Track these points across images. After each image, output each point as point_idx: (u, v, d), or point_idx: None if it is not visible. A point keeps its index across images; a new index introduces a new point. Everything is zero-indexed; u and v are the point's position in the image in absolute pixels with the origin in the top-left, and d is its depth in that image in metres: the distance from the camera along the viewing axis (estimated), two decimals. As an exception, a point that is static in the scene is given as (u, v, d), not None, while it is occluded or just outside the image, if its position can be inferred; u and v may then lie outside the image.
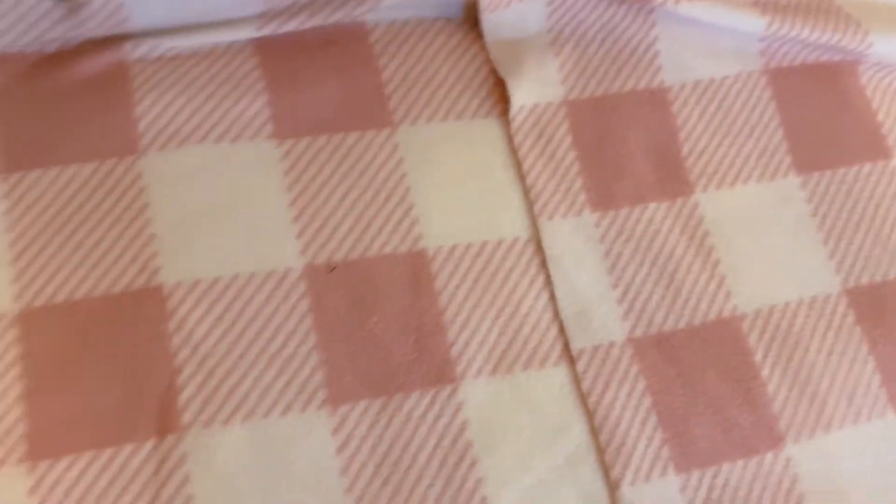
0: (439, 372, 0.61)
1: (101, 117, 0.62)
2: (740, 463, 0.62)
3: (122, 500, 0.53)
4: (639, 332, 0.65)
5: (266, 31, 0.67)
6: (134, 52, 0.64)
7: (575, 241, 0.66)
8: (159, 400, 0.56)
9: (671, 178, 0.70)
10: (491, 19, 0.71)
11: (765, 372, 0.65)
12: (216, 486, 0.55)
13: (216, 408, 0.57)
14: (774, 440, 0.63)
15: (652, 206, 0.69)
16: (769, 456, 0.63)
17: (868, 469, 0.64)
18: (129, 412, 0.56)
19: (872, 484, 0.63)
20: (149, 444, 0.55)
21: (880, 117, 0.76)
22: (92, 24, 0.62)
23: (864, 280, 0.69)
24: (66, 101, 0.62)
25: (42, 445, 0.54)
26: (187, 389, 0.57)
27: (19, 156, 0.60)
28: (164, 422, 0.56)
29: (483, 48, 0.72)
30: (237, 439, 0.56)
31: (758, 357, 0.65)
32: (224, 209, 0.62)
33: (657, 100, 0.73)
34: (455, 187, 0.67)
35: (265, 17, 0.67)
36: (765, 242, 0.70)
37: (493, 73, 0.71)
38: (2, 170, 0.60)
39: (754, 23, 0.73)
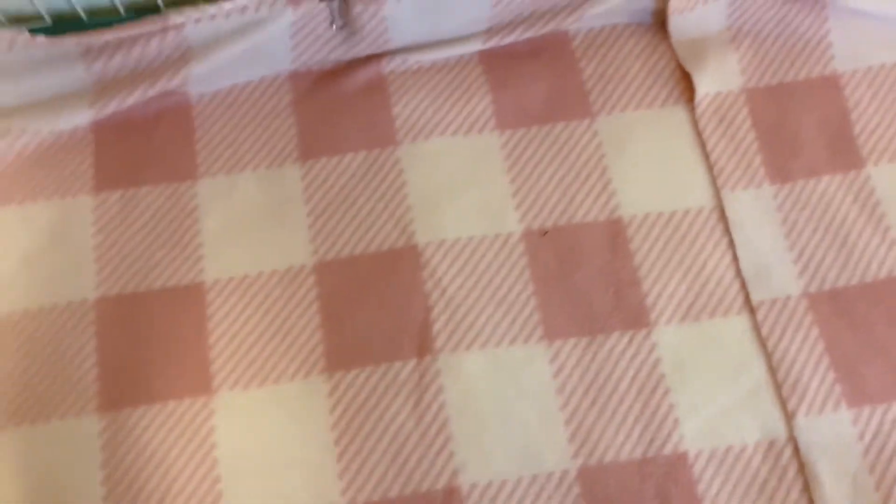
0: (635, 318, 0.74)
1: (368, 117, 0.81)
2: (910, 402, 0.70)
3: (395, 402, 0.71)
4: (813, 288, 0.74)
5: (490, 43, 0.83)
6: (389, 66, 0.83)
7: (755, 209, 0.77)
8: (418, 330, 0.74)
9: (844, 154, 0.79)
10: (677, 21, 0.83)
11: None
12: (463, 395, 0.71)
13: (460, 337, 0.73)
14: (945, 383, 0.71)
15: (826, 178, 0.78)
16: (940, 396, 0.70)
17: None
18: (397, 338, 0.73)
19: None
20: (412, 362, 0.72)
21: None
22: (362, 46, 0.81)
23: None
24: (342, 106, 0.81)
25: (337, 361, 0.73)
26: (438, 323, 0.74)
27: (311, 147, 0.80)
28: (423, 346, 0.73)
29: (670, 48, 0.84)
30: (477, 362, 0.72)
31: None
32: (461, 186, 0.78)
33: (830, 85, 0.82)
34: (647, 165, 0.79)
35: (490, 32, 0.83)
36: (937, 211, 0.77)
37: (680, 68, 0.83)
38: (299, 157, 0.80)
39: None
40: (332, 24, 0.79)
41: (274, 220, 0.78)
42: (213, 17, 0.75)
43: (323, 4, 0.77)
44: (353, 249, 0.76)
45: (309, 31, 0.80)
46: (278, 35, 0.79)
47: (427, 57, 0.83)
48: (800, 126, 0.80)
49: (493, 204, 0.78)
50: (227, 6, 0.75)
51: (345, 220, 0.78)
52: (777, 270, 0.75)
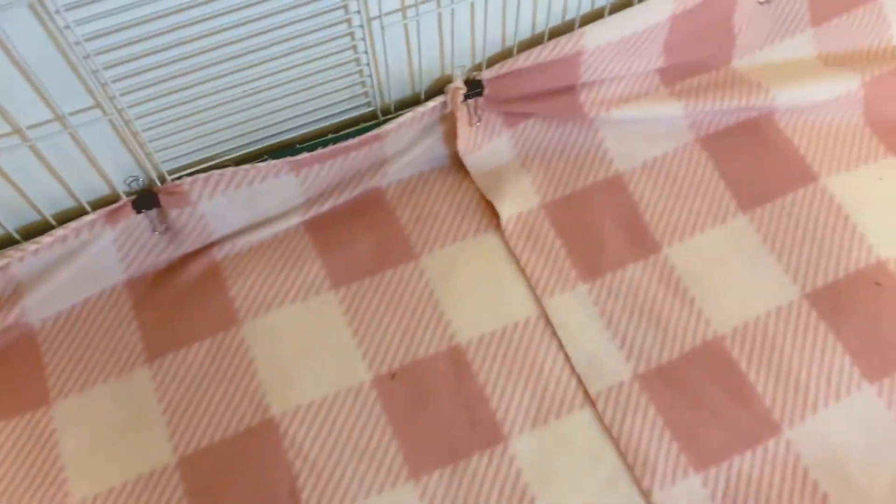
0: (490, 435, 0.78)
1: (207, 305, 0.85)
2: (748, 454, 0.76)
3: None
4: (641, 369, 0.81)
5: (310, 214, 0.90)
6: (220, 253, 0.88)
7: (574, 309, 0.84)
8: (287, 502, 0.75)
9: (641, 241, 0.88)
10: (471, 160, 0.93)
11: (751, 376, 0.80)
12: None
13: (329, 499, 0.75)
14: (772, 429, 0.77)
15: (630, 266, 0.87)
16: (771, 443, 0.77)
17: (857, 434, 0.76)
18: (269, 513, 0.75)
19: (863, 445, 0.76)
20: (287, 534, 0.74)
21: (801, 151, 0.93)
22: (189, 243, 0.86)
23: (819, 283, 0.84)
24: (182, 300, 0.86)
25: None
26: (305, 490, 0.76)
27: (157, 347, 0.84)
28: (295, 516, 0.75)
29: (472, 182, 0.93)
30: (350, 518, 0.75)
31: (743, 365, 0.80)
32: (308, 350, 0.83)
33: (615, 184, 0.92)
34: (472, 291, 0.86)
35: (307, 203, 0.90)
36: (729, 273, 0.86)
37: (484, 198, 0.92)
38: (147, 359, 0.83)
39: (673, 107, 0.92)
40: (153, 230, 0.84)
41: (131, 426, 0.80)
42: (35, 251, 0.80)
43: (141, 215, 0.83)
44: (212, 437, 0.79)
45: (133, 241, 0.85)
46: (105, 252, 0.84)
47: (254, 237, 0.89)
48: (598, 225, 0.90)
49: (340, 359, 0.83)
50: (47, 239, 0.79)
51: (200, 410, 0.80)
52: (606, 360, 0.82)
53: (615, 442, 0.78)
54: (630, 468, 0.76)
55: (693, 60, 0.96)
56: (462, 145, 0.91)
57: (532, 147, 0.94)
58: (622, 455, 0.77)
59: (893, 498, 0.74)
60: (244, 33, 0.71)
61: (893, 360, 0.80)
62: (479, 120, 0.91)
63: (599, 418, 0.79)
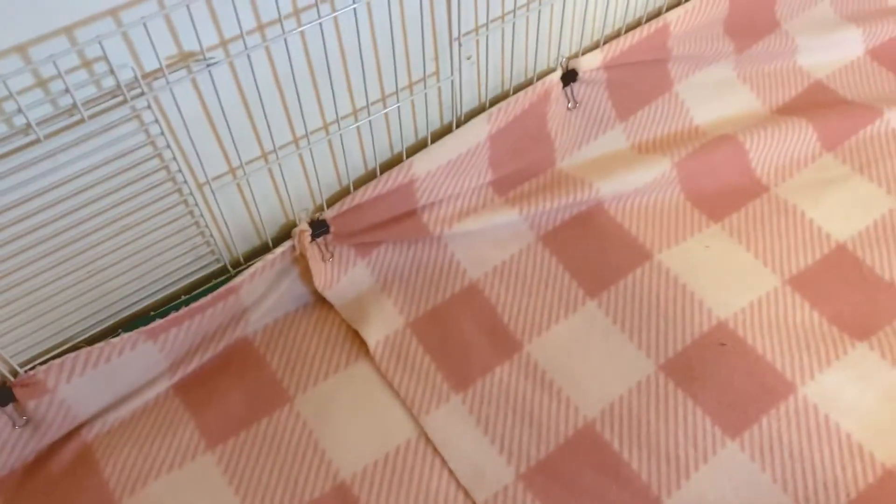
0: (387, 566, 0.78)
1: (81, 491, 0.83)
2: (635, 532, 0.79)
3: None
4: (523, 469, 0.83)
5: (177, 377, 0.90)
6: (90, 433, 0.86)
7: (450, 422, 0.86)
8: None
9: (503, 342, 0.92)
10: (332, 294, 0.96)
11: (625, 455, 0.83)
12: None
13: None
14: (653, 502, 0.80)
15: (497, 369, 0.90)
16: (654, 516, 0.80)
17: (728, 491, 0.80)
18: None
19: (738, 500, 0.80)
20: None
21: (633, 232, 1.00)
22: (53, 431, 0.84)
23: (670, 353, 0.90)
24: (54, 490, 0.83)
25: None
26: None
27: (30, 547, 0.80)
28: None
29: (338, 315, 0.96)
30: None
31: (615, 446, 0.84)
32: (189, 519, 0.81)
33: (473, 292, 0.97)
34: (350, 423, 0.87)
35: (172, 367, 0.90)
36: (588, 359, 0.90)
37: (352, 329, 0.94)
38: (21, 563, 0.79)
39: (510, 213, 0.99)
40: (14, 425, 0.82)
41: None
42: None
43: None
44: None
45: (-6, 440, 0.83)
46: (-38, 457, 0.81)
47: (123, 411, 0.87)
48: (462, 335, 0.93)
49: (225, 521, 0.81)
50: None
51: None
52: (488, 467, 0.83)
53: (508, 548, 0.79)
54: (527, 571, 0.77)
55: (520, 168, 1.04)
56: (319, 282, 0.94)
57: (389, 271, 0.98)
58: (517, 560, 0.78)
59: (772, 546, 0.77)
60: (78, 218, 0.73)
61: (748, 413, 0.85)
62: (332, 255, 0.95)
63: (491, 527, 0.80)
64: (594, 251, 1.00)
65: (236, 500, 0.82)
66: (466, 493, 0.82)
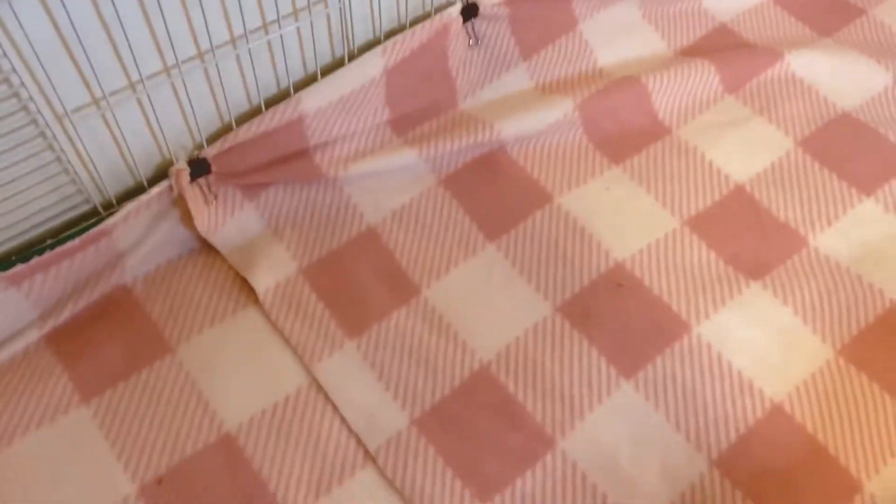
0: (271, 519, 0.75)
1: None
2: (528, 473, 0.78)
3: None
4: (417, 414, 0.81)
5: (48, 327, 0.83)
6: (-53, 389, 0.80)
7: (343, 368, 0.83)
8: None
9: (401, 288, 0.89)
10: (218, 238, 0.90)
11: (520, 396, 0.82)
12: None
13: None
14: (547, 443, 0.79)
15: (394, 314, 0.87)
16: (548, 457, 0.79)
17: (622, 431, 0.80)
18: None
19: (630, 440, 0.79)
20: None
21: (535, 175, 0.98)
22: None
23: (567, 295, 0.89)
24: None
25: None
26: None
27: None
28: None
29: (225, 261, 0.90)
30: None
31: (511, 388, 0.82)
32: (62, 476, 0.76)
33: (370, 237, 0.93)
34: (237, 373, 0.83)
35: (43, 317, 0.83)
36: (486, 302, 0.88)
37: (240, 275, 0.89)
38: None
39: (409, 155, 0.95)
40: None
41: None
42: None
43: None
44: None
45: None
46: None
47: (-15, 365, 0.81)
48: (358, 280, 0.90)
49: (99, 477, 0.76)
50: None
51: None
52: (382, 413, 0.81)
53: (399, 493, 0.76)
54: (418, 517, 0.75)
55: (419, 108, 0.99)
56: (201, 225, 0.89)
57: (281, 214, 0.94)
58: (407, 502, 0.76)
59: (663, 482, 0.77)
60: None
61: (643, 353, 0.85)
62: (216, 197, 0.89)
63: (382, 473, 0.78)
64: (495, 194, 0.97)
65: (113, 454, 0.77)
66: (358, 441, 0.79)
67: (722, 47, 1.11)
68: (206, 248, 0.92)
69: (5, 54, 0.63)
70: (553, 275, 0.91)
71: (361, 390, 0.82)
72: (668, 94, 1.05)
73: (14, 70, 0.65)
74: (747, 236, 0.94)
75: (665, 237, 0.93)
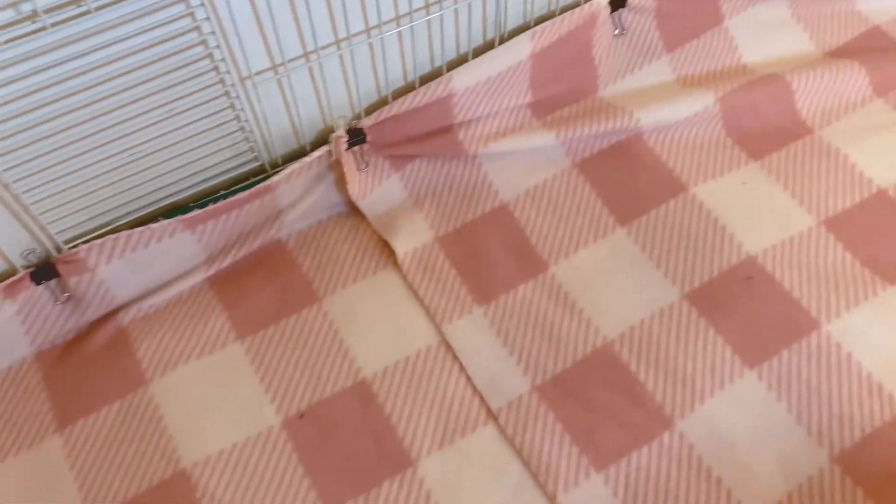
0: (399, 462, 0.81)
1: (115, 369, 0.87)
2: (644, 449, 0.80)
3: None
4: (539, 381, 0.85)
5: (212, 270, 0.93)
6: (126, 317, 0.90)
7: (471, 331, 0.88)
8: (203, 549, 0.76)
9: (529, 263, 0.93)
10: (365, 204, 0.97)
11: (641, 376, 0.84)
12: None
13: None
14: (665, 423, 0.81)
15: (521, 287, 0.92)
16: (665, 436, 0.81)
17: (742, 419, 0.81)
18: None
19: (749, 428, 0.80)
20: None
21: (670, 165, 1.00)
22: (93, 310, 0.88)
23: (696, 283, 0.90)
24: (90, 367, 0.87)
25: None
26: (221, 535, 0.77)
27: (67, 415, 0.84)
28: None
29: (369, 225, 0.97)
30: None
31: (632, 367, 0.85)
32: (216, 401, 0.85)
33: (503, 213, 0.98)
34: (375, 326, 0.90)
35: (209, 260, 0.93)
36: (612, 283, 0.91)
37: (382, 239, 0.96)
38: (58, 428, 0.83)
39: (547, 137, 0.99)
40: (55, 300, 0.86)
41: (44, 496, 0.80)
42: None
43: (41, 286, 0.85)
44: (125, 495, 0.79)
45: (37, 313, 0.87)
46: (7, 326, 0.85)
47: (159, 299, 0.91)
48: (489, 252, 0.95)
49: (248, 407, 0.85)
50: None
51: (112, 471, 0.81)
52: (505, 377, 0.85)
53: (518, 452, 0.81)
54: (534, 475, 0.79)
55: (560, 93, 1.03)
56: (353, 191, 0.96)
57: (422, 186, 1.00)
58: (526, 464, 0.80)
59: (780, 473, 0.78)
60: (121, 101, 0.75)
61: (769, 346, 0.85)
62: (367, 165, 0.96)
63: (502, 432, 0.82)
64: (629, 180, 0.99)
65: (261, 388, 0.86)
66: (482, 399, 0.84)
67: (873, 49, 1.09)
68: (354, 211, 0.99)
69: (209, 17, 0.71)
70: (682, 262, 0.92)
71: (487, 353, 0.87)
72: (812, 94, 1.04)
73: (213, 32, 0.74)
74: (887, 240, 0.92)
75: (800, 235, 0.93)
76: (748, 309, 0.88)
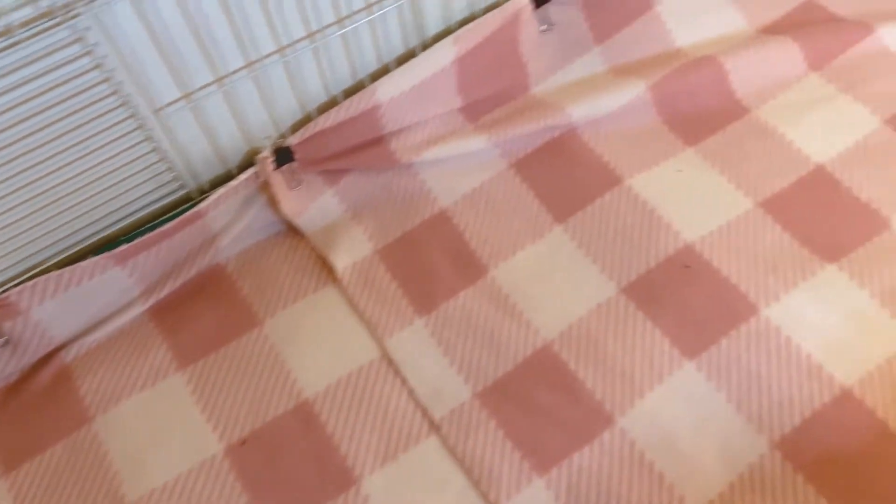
0: (342, 481, 0.81)
1: (58, 408, 0.87)
2: (586, 449, 0.80)
3: None
4: (479, 388, 0.85)
5: (150, 301, 0.93)
6: (68, 355, 0.90)
7: (413, 343, 0.88)
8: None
9: (469, 268, 0.93)
10: (302, 221, 0.97)
11: (580, 375, 0.84)
12: None
13: (191, 572, 0.77)
14: (605, 420, 0.81)
15: (461, 293, 0.91)
16: (606, 434, 0.80)
17: (682, 411, 0.80)
18: None
19: (690, 420, 0.80)
20: None
21: (605, 158, 0.99)
22: (30, 353, 0.89)
23: (633, 276, 0.89)
24: (34, 409, 0.87)
25: None
26: (168, 568, 0.77)
27: (12, 459, 0.85)
28: None
29: (309, 242, 0.97)
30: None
31: (572, 366, 0.84)
32: (159, 435, 0.85)
33: (442, 220, 0.97)
34: (316, 345, 0.89)
35: (146, 292, 0.93)
36: (551, 283, 0.90)
37: (322, 255, 0.96)
38: (3, 472, 0.84)
39: (480, 140, 0.98)
40: (-9, 347, 0.87)
41: (-9, 541, 0.80)
42: None
43: (-25, 333, 0.85)
44: (71, 538, 0.80)
45: (-26, 360, 0.87)
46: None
47: (99, 334, 0.91)
48: (429, 261, 0.94)
49: (191, 437, 0.84)
50: None
51: (57, 514, 0.81)
52: (447, 386, 0.85)
53: (461, 462, 0.80)
54: (477, 484, 0.79)
55: (491, 94, 1.02)
56: (287, 209, 0.96)
57: (359, 199, 0.99)
58: (468, 473, 0.80)
59: (721, 463, 0.78)
60: (32, 143, 0.75)
61: (707, 336, 0.85)
62: (300, 183, 0.96)
63: (445, 442, 0.82)
64: (565, 177, 0.99)
65: (202, 417, 0.86)
66: (424, 412, 0.84)
67: (807, 23, 1.08)
68: (292, 230, 0.99)
69: (108, 55, 0.71)
70: (619, 256, 0.91)
71: (428, 364, 0.87)
72: (747, 73, 1.02)
73: (116, 68, 0.73)
74: (825, 217, 0.91)
75: (737, 219, 0.92)
76: (686, 299, 0.87)
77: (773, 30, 1.08)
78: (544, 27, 1.04)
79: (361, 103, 0.93)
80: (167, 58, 0.77)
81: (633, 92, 1.01)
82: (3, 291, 0.84)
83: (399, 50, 0.96)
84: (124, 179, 0.85)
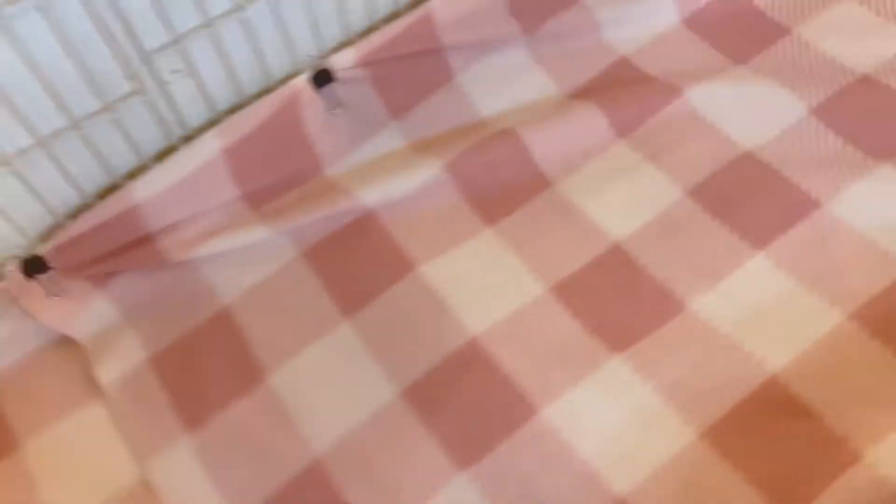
0: None
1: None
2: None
3: None
4: (244, 513, 0.78)
5: None
6: None
7: (175, 465, 0.81)
8: None
9: (246, 373, 0.86)
10: (72, 330, 0.90)
11: (350, 496, 0.77)
12: None
13: None
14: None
15: (235, 404, 0.84)
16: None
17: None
18: None
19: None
20: None
21: (400, 243, 0.92)
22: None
23: (415, 376, 0.83)
24: None
25: None
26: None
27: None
28: None
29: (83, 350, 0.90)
30: None
31: (343, 485, 0.77)
32: None
33: (223, 319, 0.90)
34: (74, 470, 0.82)
35: None
36: (330, 387, 0.84)
37: (92, 366, 0.89)
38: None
39: (263, 230, 0.92)
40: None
41: None
42: None
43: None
44: None
45: None
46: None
47: None
48: (205, 367, 0.87)
49: None
50: None
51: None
52: (208, 512, 0.78)
53: None
54: None
55: (277, 180, 0.96)
56: (48, 319, 0.88)
57: (134, 300, 0.92)
58: None
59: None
60: None
61: (484, 441, 0.78)
62: (61, 292, 0.89)
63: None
64: (356, 265, 0.92)
65: None
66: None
67: (617, 85, 1.03)
68: (66, 340, 0.91)
69: None
70: (403, 354, 0.85)
71: (192, 490, 0.79)
72: (549, 145, 0.97)
73: None
74: (617, 301, 0.86)
75: (524, 306, 0.86)
76: (465, 401, 0.81)
77: (584, 94, 1.03)
78: (335, 108, 0.98)
79: (117, 205, 0.87)
80: None
81: (430, 171, 0.95)
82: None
83: (160, 143, 0.90)
84: None
